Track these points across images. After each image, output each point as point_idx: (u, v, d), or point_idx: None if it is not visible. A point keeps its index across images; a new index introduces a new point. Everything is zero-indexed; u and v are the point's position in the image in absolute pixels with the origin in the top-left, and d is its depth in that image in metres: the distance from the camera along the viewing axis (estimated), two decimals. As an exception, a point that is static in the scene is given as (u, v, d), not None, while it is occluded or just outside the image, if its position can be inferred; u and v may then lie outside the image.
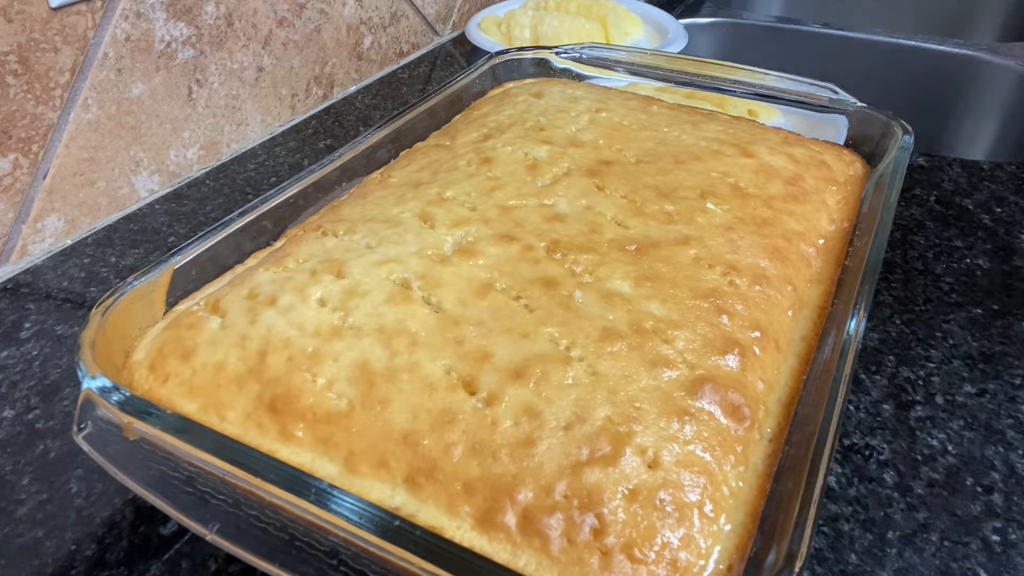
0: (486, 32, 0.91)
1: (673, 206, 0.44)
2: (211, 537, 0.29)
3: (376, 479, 0.31)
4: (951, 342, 0.50)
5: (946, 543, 0.38)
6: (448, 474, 0.30)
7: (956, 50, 0.98)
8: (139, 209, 0.67)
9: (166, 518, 0.39)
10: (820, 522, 0.39)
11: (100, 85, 0.62)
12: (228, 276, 0.43)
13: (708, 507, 0.30)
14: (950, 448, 0.43)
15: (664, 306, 0.37)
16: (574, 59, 0.65)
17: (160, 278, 0.40)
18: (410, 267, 0.39)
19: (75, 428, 0.33)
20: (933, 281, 0.56)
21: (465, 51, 0.99)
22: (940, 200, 0.65)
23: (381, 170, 0.52)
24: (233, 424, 0.34)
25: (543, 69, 0.65)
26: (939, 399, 0.46)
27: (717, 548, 0.29)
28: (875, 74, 1.02)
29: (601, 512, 0.29)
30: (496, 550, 0.28)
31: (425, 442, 0.31)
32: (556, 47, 0.65)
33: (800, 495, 0.28)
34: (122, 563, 0.38)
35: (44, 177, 0.60)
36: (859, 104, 0.55)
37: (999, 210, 0.64)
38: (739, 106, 0.63)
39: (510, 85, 0.63)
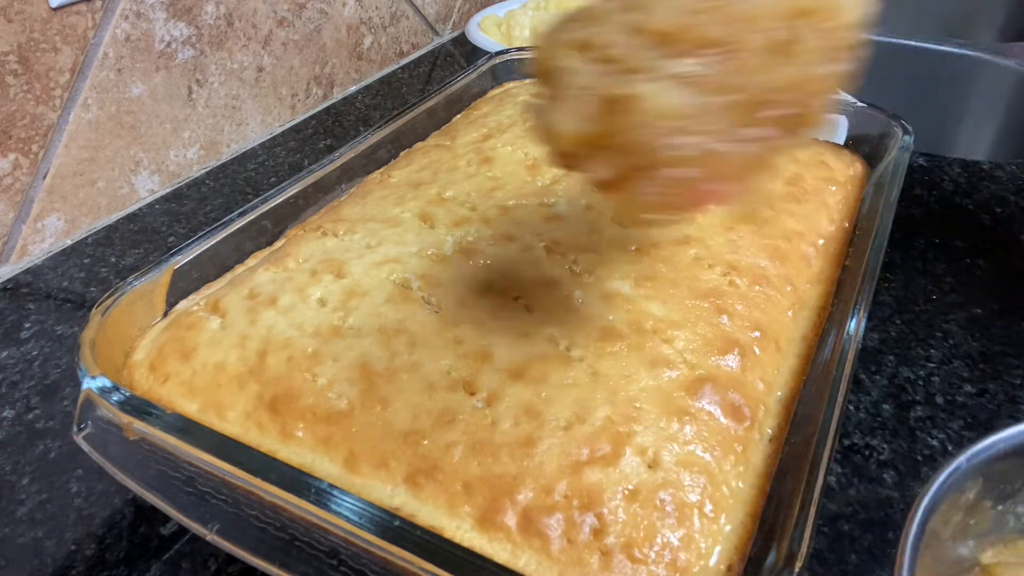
0: (486, 32, 0.91)
1: (673, 206, 0.44)
2: (211, 537, 0.29)
3: (376, 479, 0.31)
4: (951, 342, 0.50)
5: (946, 543, 0.38)
6: (448, 474, 0.30)
7: (956, 50, 0.98)
8: (139, 209, 0.67)
9: (166, 518, 0.39)
10: (820, 522, 0.39)
11: (100, 85, 0.62)
12: (228, 276, 0.43)
13: (708, 507, 0.30)
14: (950, 448, 0.43)
15: (664, 306, 0.37)
16: (574, 59, 0.65)
17: (160, 278, 0.40)
18: (410, 267, 0.39)
19: (75, 428, 0.33)
20: (933, 281, 0.56)
21: (465, 51, 0.99)
22: (940, 200, 0.65)
23: (381, 170, 0.52)
24: (233, 424, 0.34)
25: (543, 69, 0.65)
26: (939, 399, 0.46)
27: (717, 548, 0.29)
28: (875, 74, 1.02)
29: (601, 512, 0.29)
30: (496, 550, 0.28)
31: (425, 442, 0.31)
32: (556, 47, 0.65)
33: (800, 495, 0.28)
34: (122, 563, 0.38)
35: (44, 177, 0.60)
36: (859, 104, 0.55)
37: (999, 210, 0.64)
38: (739, 106, 0.63)
39: (510, 85, 0.63)
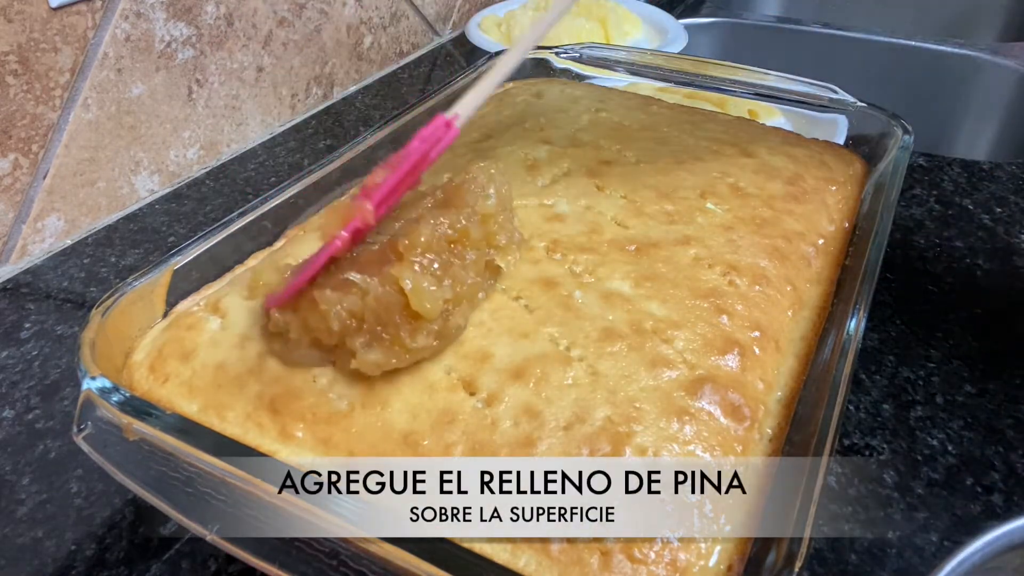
0: (486, 32, 0.91)
1: (673, 206, 0.44)
2: (211, 537, 0.29)
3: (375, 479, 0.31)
4: (951, 342, 0.50)
5: (946, 543, 0.38)
6: (448, 474, 0.30)
7: (956, 50, 0.98)
8: (139, 209, 0.67)
9: (166, 518, 0.39)
10: (820, 522, 0.39)
11: (100, 85, 0.62)
12: (228, 276, 0.43)
13: (708, 507, 0.29)
14: (950, 448, 0.43)
15: (664, 306, 0.37)
16: (574, 59, 0.65)
17: (160, 278, 0.40)
18: (410, 267, 0.39)
19: (75, 428, 0.33)
20: (933, 281, 0.56)
21: (465, 51, 0.99)
22: (940, 200, 0.65)
23: (381, 170, 0.52)
24: (233, 424, 0.33)
25: (543, 69, 0.65)
26: (939, 399, 0.46)
27: (717, 548, 0.29)
28: (875, 74, 1.02)
29: (601, 512, 0.28)
30: (496, 550, 0.28)
31: (425, 442, 0.31)
32: (556, 47, 0.65)
33: (800, 495, 0.28)
34: (122, 563, 0.38)
35: (44, 177, 0.60)
36: (859, 104, 0.55)
37: (999, 210, 0.64)
38: (739, 106, 0.63)
39: (510, 85, 0.63)
